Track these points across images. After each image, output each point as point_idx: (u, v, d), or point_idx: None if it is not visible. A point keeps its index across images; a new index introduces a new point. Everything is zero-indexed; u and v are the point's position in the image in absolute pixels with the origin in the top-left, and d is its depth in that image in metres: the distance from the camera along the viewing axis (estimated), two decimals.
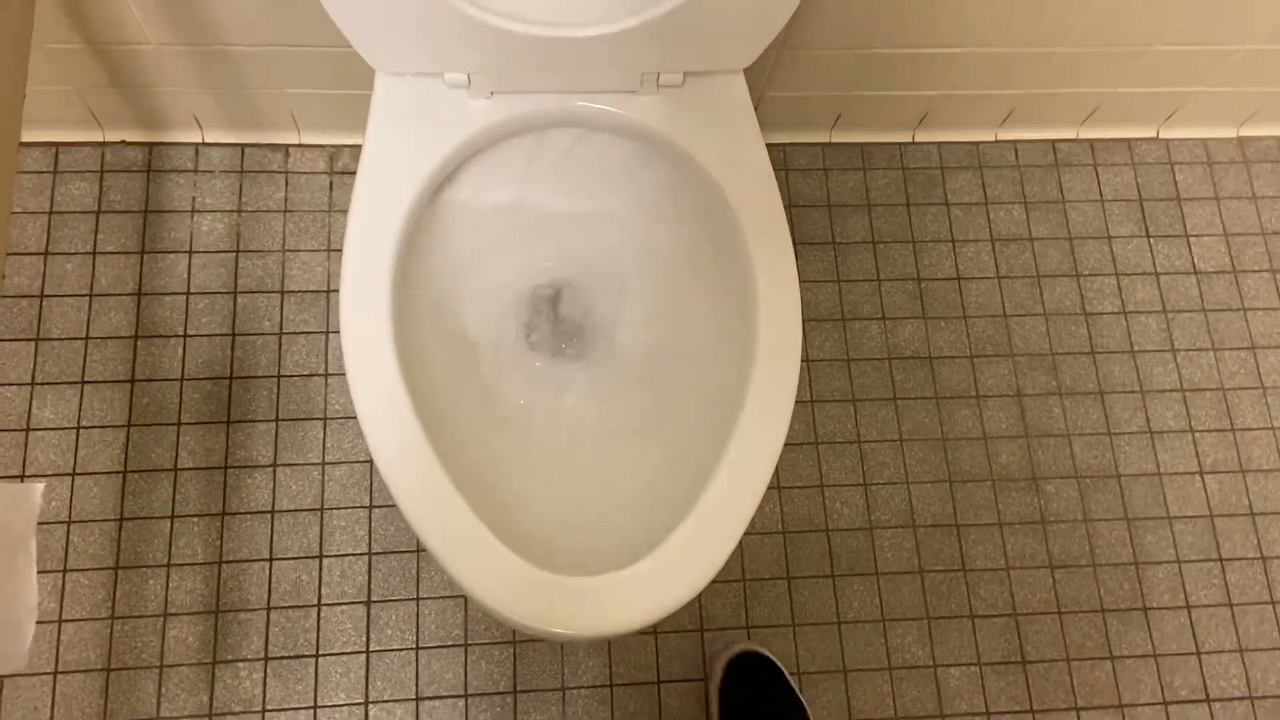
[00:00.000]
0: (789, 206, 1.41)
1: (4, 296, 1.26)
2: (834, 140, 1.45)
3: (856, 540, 1.29)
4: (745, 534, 1.26)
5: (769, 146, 1.42)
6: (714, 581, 1.23)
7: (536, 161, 1.00)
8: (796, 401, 1.32)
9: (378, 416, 0.82)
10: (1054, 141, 1.48)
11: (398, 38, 0.87)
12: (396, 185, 0.89)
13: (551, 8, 0.86)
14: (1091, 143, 1.49)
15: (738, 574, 1.26)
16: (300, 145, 1.37)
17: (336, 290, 1.03)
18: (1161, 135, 1.50)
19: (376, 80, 0.93)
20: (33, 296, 1.27)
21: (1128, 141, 1.49)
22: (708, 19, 0.86)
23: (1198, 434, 1.36)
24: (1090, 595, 1.28)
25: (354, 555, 1.22)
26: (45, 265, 1.29)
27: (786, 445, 1.30)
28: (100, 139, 1.34)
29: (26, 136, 1.32)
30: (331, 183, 1.36)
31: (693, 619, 1.23)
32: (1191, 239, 1.45)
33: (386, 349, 0.84)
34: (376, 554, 1.22)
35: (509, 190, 1.02)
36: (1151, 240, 1.45)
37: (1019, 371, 1.37)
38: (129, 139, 1.35)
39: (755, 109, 1.34)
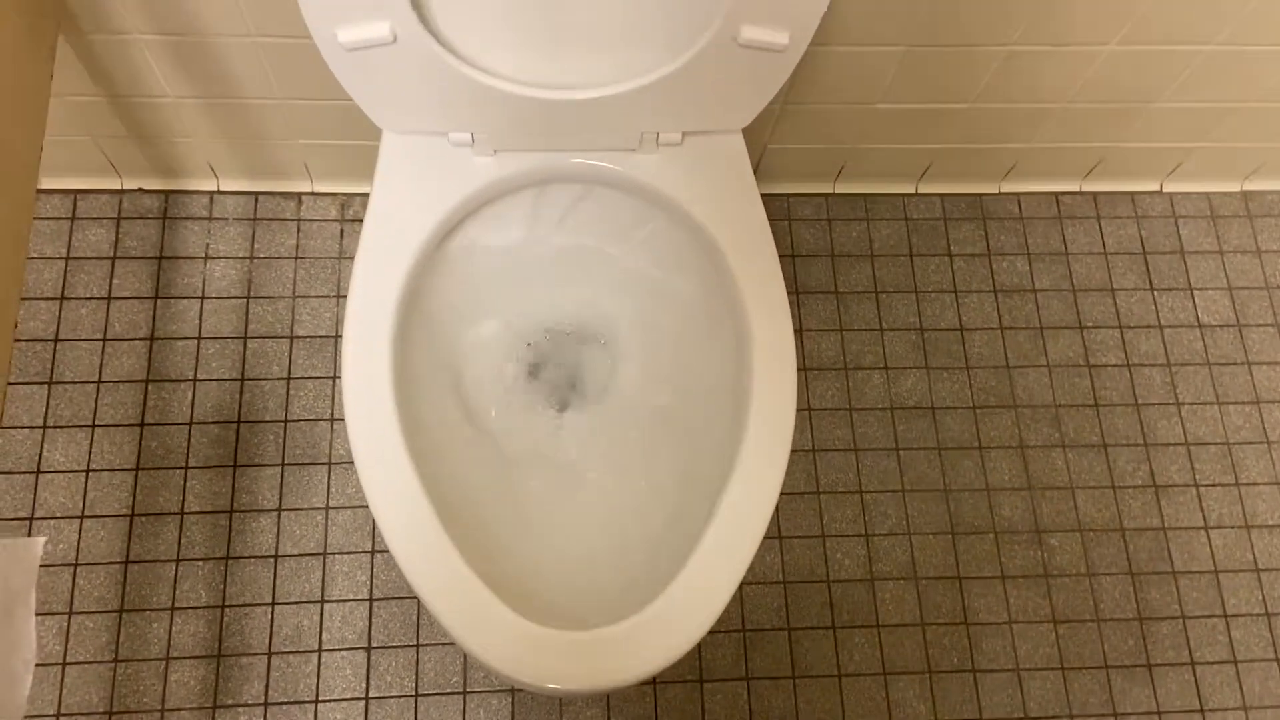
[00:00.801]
0: (792, 256, 1.43)
1: (19, 340, 1.29)
2: (837, 191, 1.46)
3: (858, 591, 1.28)
4: (745, 583, 1.27)
5: (772, 197, 1.44)
6: (713, 631, 1.24)
7: (538, 215, 1.02)
8: (798, 450, 1.34)
9: (376, 472, 0.84)
10: (1057, 194, 1.49)
11: (403, 101, 0.89)
12: (400, 240, 0.91)
13: (553, 70, 0.88)
14: (1095, 196, 1.50)
15: (738, 624, 1.26)
16: (313, 193, 1.40)
17: None
18: (1165, 189, 1.50)
19: (383, 137, 0.95)
20: (47, 340, 1.30)
21: (1131, 195, 1.50)
22: (704, 84, 0.88)
23: (1202, 488, 1.35)
24: (1094, 651, 1.28)
25: (355, 601, 1.23)
26: (60, 310, 1.31)
27: (788, 494, 1.31)
28: (118, 186, 1.37)
29: (46, 184, 1.35)
30: (342, 230, 1.39)
31: (692, 669, 1.23)
32: (1195, 292, 1.46)
33: (386, 398, 0.86)
34: (378, 600, 1.23)
35: (511, 243, 1.03)
36: (1155, 293, 1.45)
37: (1022, 423, 1.37)
38: (146, 187, 1.38)
39: (759, 160, 1.37)
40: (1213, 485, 1.36)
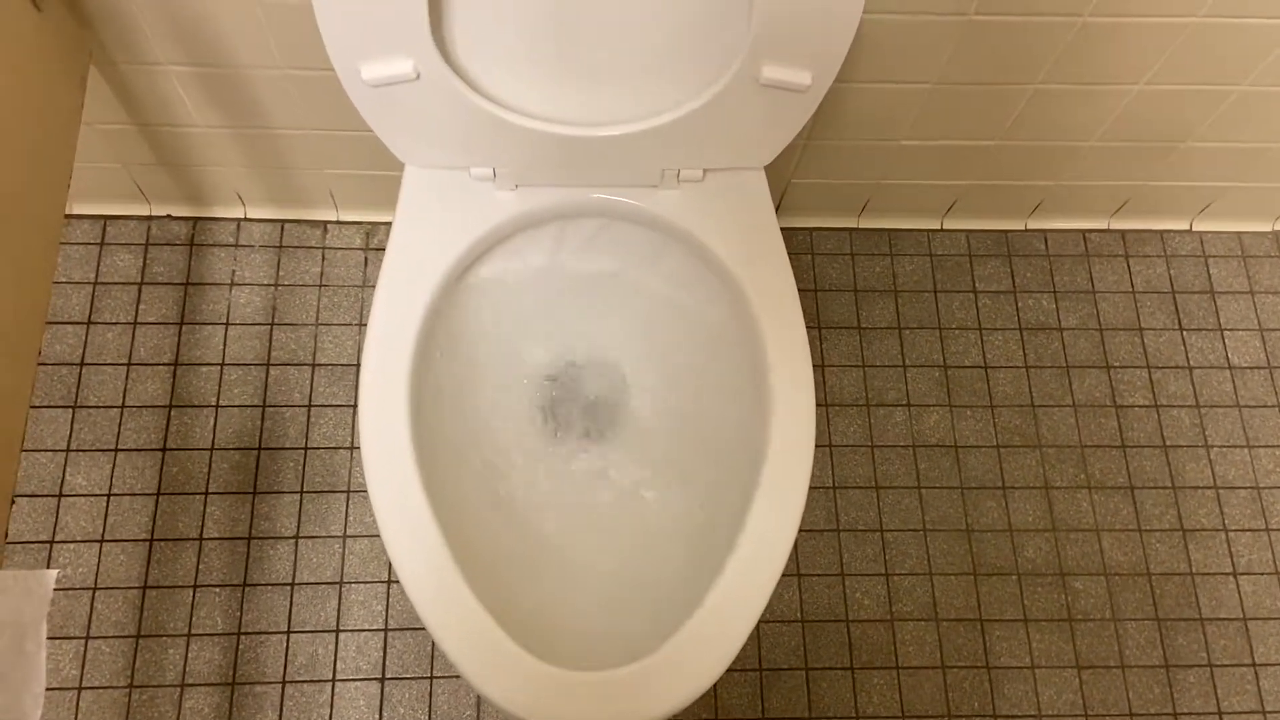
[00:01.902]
0: (815, 290, 1.42)
1: (45, 364, 1.30)
2: (861, 226, 1.46)
3: (877, 632, 1.27)
4: (763, 621, 1.25)
5: (796, 231, 1.44)
6: (730, 670, 1.23)
7: (559, 249, 1.02)
8: (819, 487, 1.32)
9: (390, 505, 0.83)
10: (1084, 232, 1.48)
11: (425, 136, 0.90)
12: (420, 273, 0.91)
13: (575, 107, 0.88)
14: (1123, 234, 1.48)
15: (754, 663, 1.24)
16: (338, 222, 1.41)
17: None
18: (1195, 228, 1.49)
19: (405, 170, 0.96)
20: (73, 364, 1.31)
21: (1160, 233, 1.48)
22: (726, 123, 0.88)
23: (1231, 533, 1.33)
24: (1119, 698, 1.25)
25: (370, 631, 1.22)
26: (87, 334, 1.33)
27: (808, 531, 1.30)
28: (147, 213, 1.39)
29: (77, 209, 1.37)
30: (366, 259, 1.40)
31: (708, 708, 1.22)
32: (1226, 333, 1.43)
33: (402, 429, 0.86)
34: (392, 630, 1.22)
35: (531, 276, 1.03)
36: (1184, 333, 1.43)
37: (1047, 463, 1.35)
38: (174, 213, 1.39)
39: (782, 194, 1.37)
40: (1242, 530, 1.33)
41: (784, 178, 1.33)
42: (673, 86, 0.87)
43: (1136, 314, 1.44)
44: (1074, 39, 1.07)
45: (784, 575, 1.28)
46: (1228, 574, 1.31)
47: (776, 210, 1.40)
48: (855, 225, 1.46)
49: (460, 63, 0.85)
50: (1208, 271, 1.47)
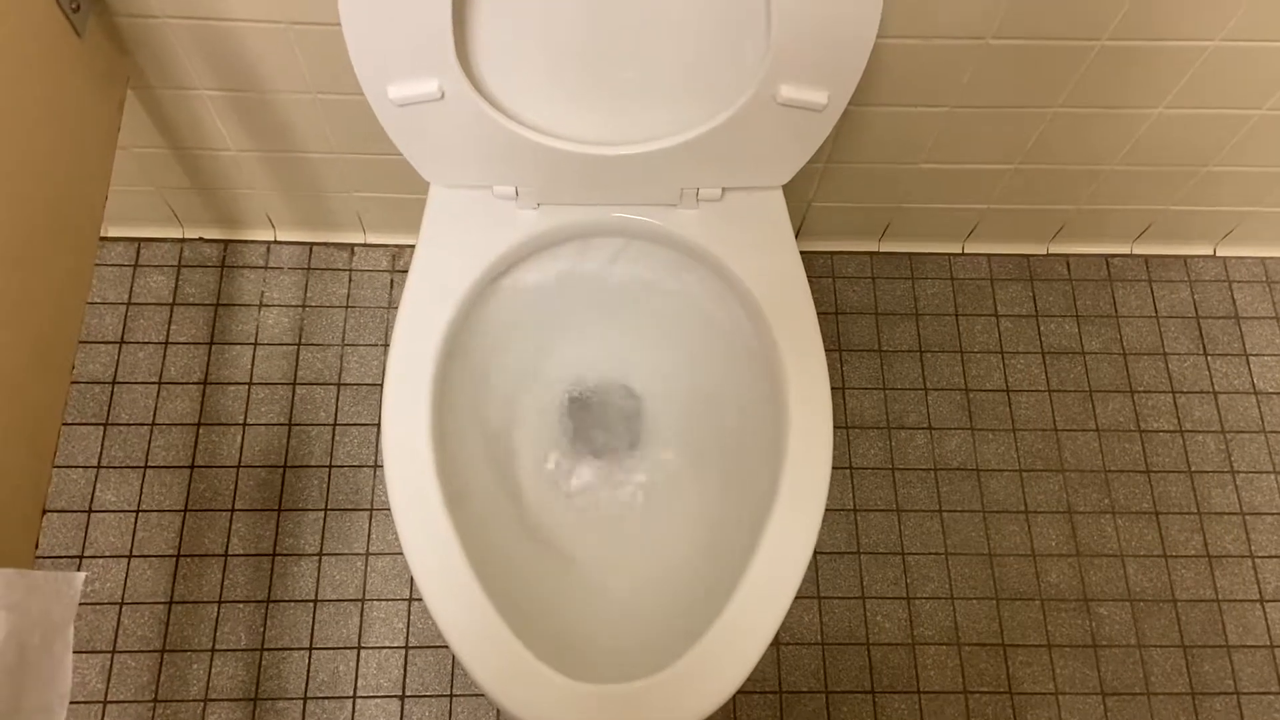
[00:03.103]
0: (836, 313, 1.43)
1: (78, 382, 1.33)
2: (882, 249, 1.46)
3: (898, 656, 1.26)
4: (783, 643, 1.25)
5: (817, 254, 1.45)
6: (749, 692, 1.22)
7: (580, 267, 1.04)
8: (840, 509, 1.32)
9: (412, 520, 0.85)
10: (1107, 256, 1.48)
11: (449, 155, 0.92)
12: (443, 291, 0.93)
13: (596, 127, 0.90)
14: (1146, 258, 1.48)
15: (774, 684, 1.24)
16: (365, 244, 1.43)
17: None
18: (1219, 253, 1.48)
19: (430, 190, 0.98)
20: (105, 383, 1.34)
21: (1183, 258, 1.48)
22: (744, 141, 0.89)
23: (1258, 560, 1.31)
24: None
25: (391, 648, 1.23)
26: (119, 353, 1.35)
27: (828, 553, 1.30)
28: (180, 236, 1.42)
29: (112, 232, 1.40)
30: (392, 280, 1.42)
31: None
32: (1251, 358, 1.42)
33: (424, 446, 0.87)
34: (413, 648, 1.23)
35: (552, 295, 1.05)
36: (1209, 358, 1.42)
37: (1070, 488, 1.35)
38: (206, 236, 1.42)
39: (803, 218, 1.38)
40: (1269, 557, 1.31)
41: (805, 201, 1.34)
42: (692, 106, 0.89)
43: (1160, 339, 1.43)
44: (1092, 63, 1.08)
45: (804, 597, 1.28)
46: (1254, 601, 1.29)
47: (797, 234, 1.41)
48: (876, 249, 1.46)
49: (484, 83, 0.87)
50: (1232, 296, 1.46)
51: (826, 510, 1.25)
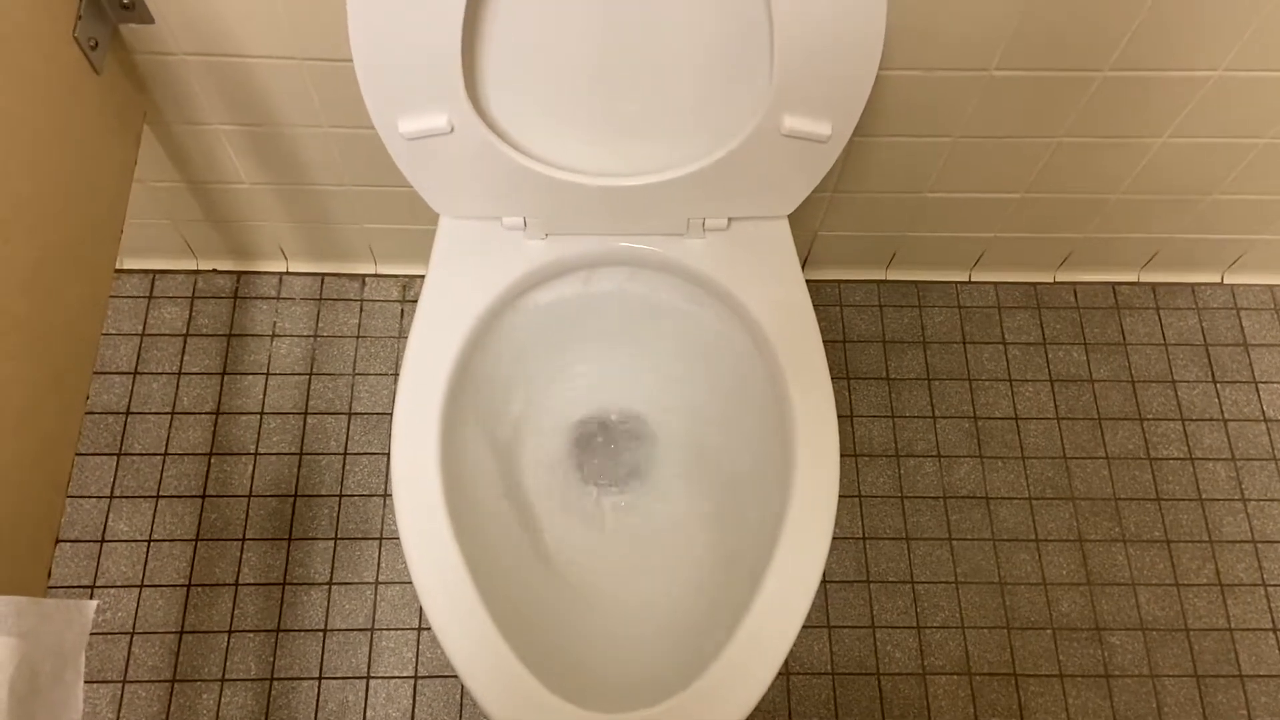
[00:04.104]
0: (844, 342, 1.43)
1: (92, 413, 1.34)
2: (889, 278, 1.47)
3: (909, 686, 1.25)
4: (792, 673, 1.24)
5: (824, 283, 1.46)
6: None
7: (588, 297, 1.05)
8: (849, 538, 1.32)
9: (421, 550, 0.85)
10: (1114, 284, 1.48)
11: (458, 187, 0.93)
12: (452, 321, 0.94)
13: (603, 158, 0.91)
14: (1153, 286, 1.48)
15: (784, 715, 1.23)
16: (376, 275, 1.45)
17: None
18: (1226, 280, 1.48)
19: (440, 221, 0.99)
20: (119, 413, 1.35)
21: (1191, 286, 1.48)
22: (749, 172, 0.90)
23: (1271, 588, 1.30)
24: None
25: (400, 678, 1.23)
26: (133, 384, 1.37)
27: (838, 582, 1.29)
28: (194, 267, 1.44)
29: (127, 264, 1.42)
30: (403, 310, 1.43)
31: None
32: (1260, 385, 1.42)
33: (433, 476, 0.88)
34: (422, 677, 1.23)
35: (559, 325, 1.06)
36: (1218, 386, 1.42)
37: (1080, 516, 1.34)
38: (220, 268, 1.44)
39: (810, 247, 1.39)
40: None
41: (811, 231, 1.35)
42: (698, 138, 0.90)
43: (1169, 366, 1.43)
44: (1096, 93, 1.09)
45: (813, 626, 1.28)
46: (1268, 630, 1.28)
47: (804, 263, 1.42)
48: (883, 277, 1.47)
49: (492, 116, 0.89)
50: (1240, 324, 1.46)
51: (835, 538, 1.25)
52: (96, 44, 0.93)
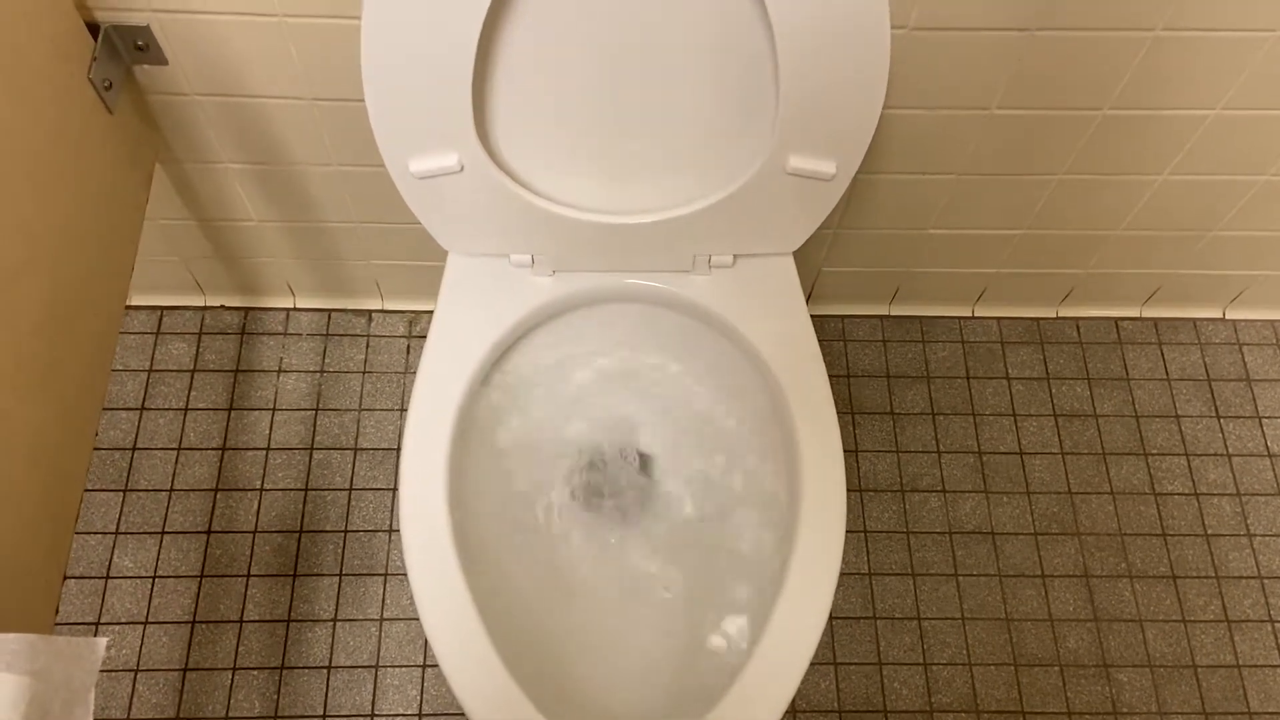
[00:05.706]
0: (848, 376, 1.44)
1: (99, 448, 1.34)
2: (893, 313, 1.48)
3: None
4: (798, 711, 1.24)
5: (828, 318, 1.46)
6: None
7: (594, 333, 1.05)
8: (855, 573, 1.32)
9: (431, 591, 0.85)
10: (1116, 319, 1.49)
11: (467, 225, 0.94)
12: (460, 357, 0.95)
13: (610, 196, 0.92)
14: (1156, 321, 1.49)
15: None
16: (383, 311, 1.46)
17: None
18: (1228, 316, 1.49)
19: (448, 258, 1.00)
20: (125, 449, 1.35)
21: (1193, 321, 1.49)
22: (755, 210, 0.91)
23: (1278, 624, 1.30)
24: None
25: (405, 716, 1.22)
26: (140, 420, 1.37)
27: (843, 618, 1.29)
28: (202, 303, 1.45)
29: (135, 300, 1.43)
30: (409, 346, 1.44)
31: None
32: (1264, 420, 1.42)
33: (441, 515, 0.88)
34: (427, 715, 1.22)
35: (567, 360, 1.06)
36: (1222, 421, 1.42)
37: (1086, 551, 1.34)
38: (228, 304, 1.45)
39: (814, 282, 1.40)
40: None
41: (815, 267, 1.36)
42: (704, 176, 0.91)
43: (1173, 401, 1.44)
44: (1096, 131, 1.10)
45: (820, 663, 1.27)
46: (1276, 666, 1.28)
47: (808, 298, 1.43)
48: (886, 312, 1.48)
49: (502, 155, 0.90)
50: (1243, 359, 1.47)
51: (841, 574, 1.24)
52: (111, 85, 0.95)
